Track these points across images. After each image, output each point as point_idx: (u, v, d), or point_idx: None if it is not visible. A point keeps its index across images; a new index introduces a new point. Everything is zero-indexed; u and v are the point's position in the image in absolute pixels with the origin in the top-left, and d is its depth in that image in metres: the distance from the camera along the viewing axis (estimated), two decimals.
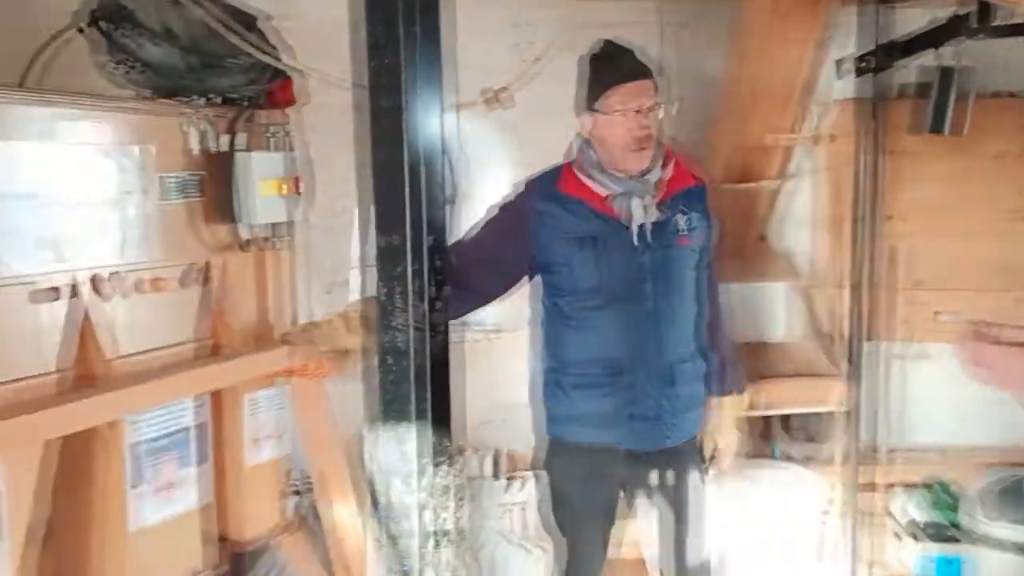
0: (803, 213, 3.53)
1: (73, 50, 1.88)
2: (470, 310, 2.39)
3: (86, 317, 1.69)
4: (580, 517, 2.37)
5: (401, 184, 1.02)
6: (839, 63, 3.25)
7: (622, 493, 2.41)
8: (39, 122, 1.58)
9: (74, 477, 1.79)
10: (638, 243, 2.16)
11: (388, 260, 1.07)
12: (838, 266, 3.27)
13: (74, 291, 1.67)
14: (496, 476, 3.41)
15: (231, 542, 2.18)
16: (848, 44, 3.21)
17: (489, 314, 3.87)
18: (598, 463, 2.30)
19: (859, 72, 3.12)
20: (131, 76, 1.83)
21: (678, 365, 2.24)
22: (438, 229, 1.09)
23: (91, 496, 1.81)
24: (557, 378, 2.29)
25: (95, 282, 1.69)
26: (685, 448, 2.32)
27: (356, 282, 3.35)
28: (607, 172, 2.18)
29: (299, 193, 2.10)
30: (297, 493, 2.95)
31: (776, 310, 3.52)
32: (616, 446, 2.26)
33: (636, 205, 2.14)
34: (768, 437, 3.51)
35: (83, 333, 1.70)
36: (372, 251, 1.08)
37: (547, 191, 2.22)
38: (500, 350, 3.87)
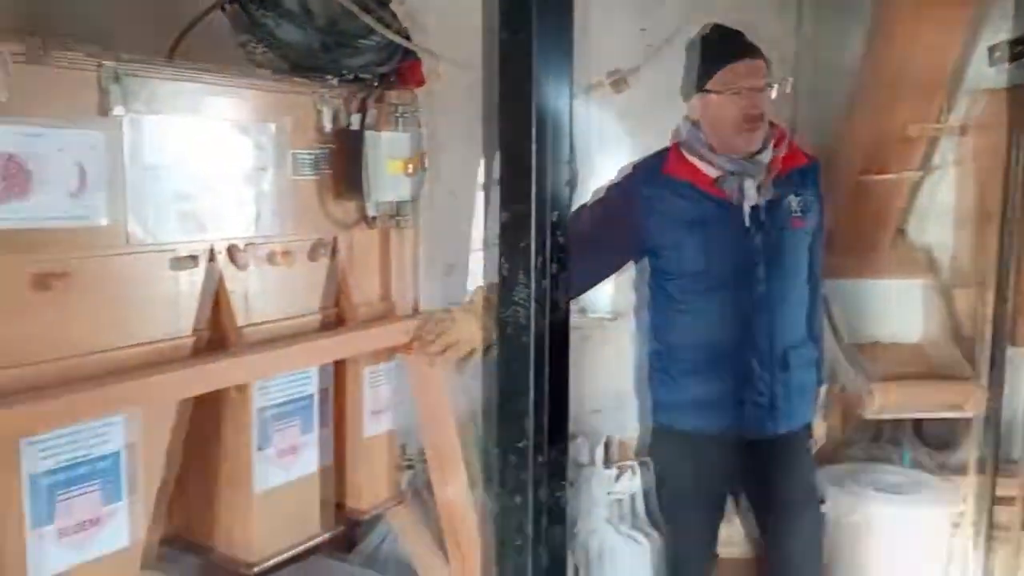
0: (946, 207, 3.35)
1: (216, 29, 1.96)
2: (574, 296, 2.41)
3: (221, 285, 1.77)
4: (686, 508, 2.34)
5: (528, 156, 1.02)
6: (992, 49, 3.05)
7: (730, 486, 2.37)
8: (185, 97, 1.66)
9: (204, 438, 1.88)
10: (750, 224, 2.12)
11: (511, 234, 1.07)
12: (982, 265, 3.09)
13: (211, 260, 1.75)
14: (607, 464, 3.39)
15: (348, 509, 2.24)
16: (1003, 29, 3.01)
17: (602, 299, 3.86)
18: (706, 452, 2.27)
19: (1013, 58, 2.92)
20: (268, 55, 1.89)
21: (791, 350, 2.20)
22: (562, 205, 1.08)
23: (220, 457, 1.90)
24: (664, 364, 2.28)
25: (231, 252, 1.77)
26: (797, 436, 2.27)
27: (476, 266, 3.39)
28: (717, 153, 2.15)
29: (424, 171, 2.13)
30: (410, 467, 3.02)
31: (912, 309, 3.37)
32: (725, 434, 2.23)
33: (748, 185, 2.11)
34: (896, 442, 3.36)
35: (218, 300, 1.78)
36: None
37: (654, 174, 2.22)
38: (613, 336, 3.84)
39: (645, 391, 2.41)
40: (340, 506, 2.24)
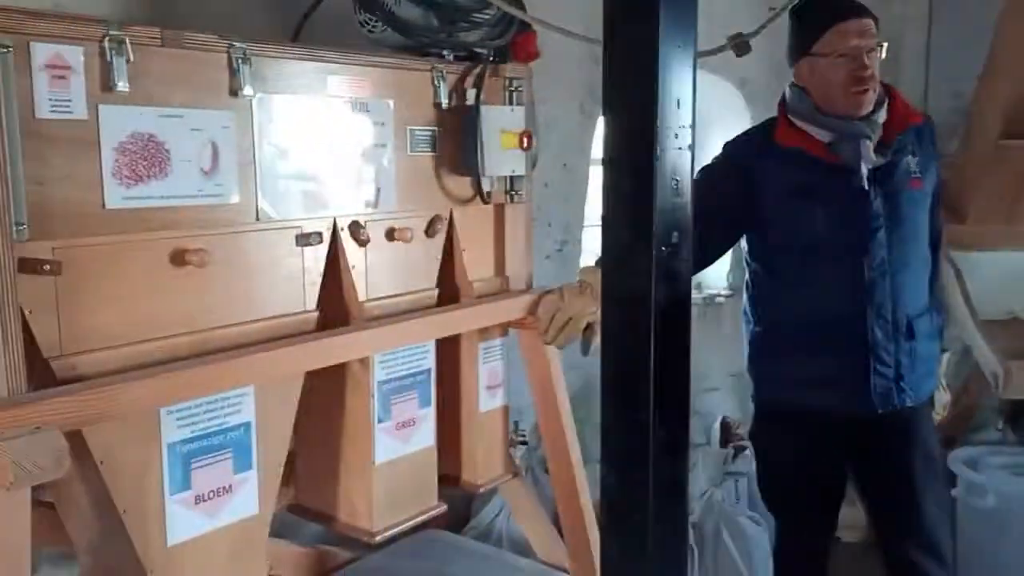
0: None
1: (329, 11, 2.01)
2: (694, 271, 2.34)
3: (343, 261, 1.82)
4: (800, 491, 2.24)
5: (650, 121, 0.99)
6: None
7: (846, 466, 2.26)
8: (308, 76, 1.70)
9: (325, 410, 1.95)
10: (869, 187, 2.03)
11: (631, 202, 1.04)
12: None
13: (334, 236, 1.79)
14: (723, 444, 3.33)
15: (463, 483, 2.28)
16: None
17: (716, 275, 3.77)
18: (822, 431, 2.17)
19: None
20: (388, 32, 1.92)
21: (916, 318, 2.10)
22: (684, 172, 1.05)
23: (341, 428, 1.95)
24: (773, 340, 2.19)
25: (353, 228, 1.81)
26: (921, 409, 2.17)
27: (587, 242, 3.37)
28: (829, 116, 2.06)
29: (536, 147, 2.13)
30: (524, 443, 3.04)
31: None
32: (844, 411, 2.13)
33: (865, 147, 2.01)
34: None
35: (339, 275, 1.83)
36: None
37: (763, 143, 2.14)
38: (728, 312, 3.76)
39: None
40: (455, 480, 2.28)
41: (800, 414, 2.17)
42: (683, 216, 1.05)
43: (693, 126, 1.05)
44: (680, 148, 1.03)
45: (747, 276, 2.30)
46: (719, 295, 3.76)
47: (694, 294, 3.69)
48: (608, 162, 1.06)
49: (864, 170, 2.03)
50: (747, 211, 2.16)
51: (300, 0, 2.09)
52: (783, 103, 2.19)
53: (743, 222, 2.19)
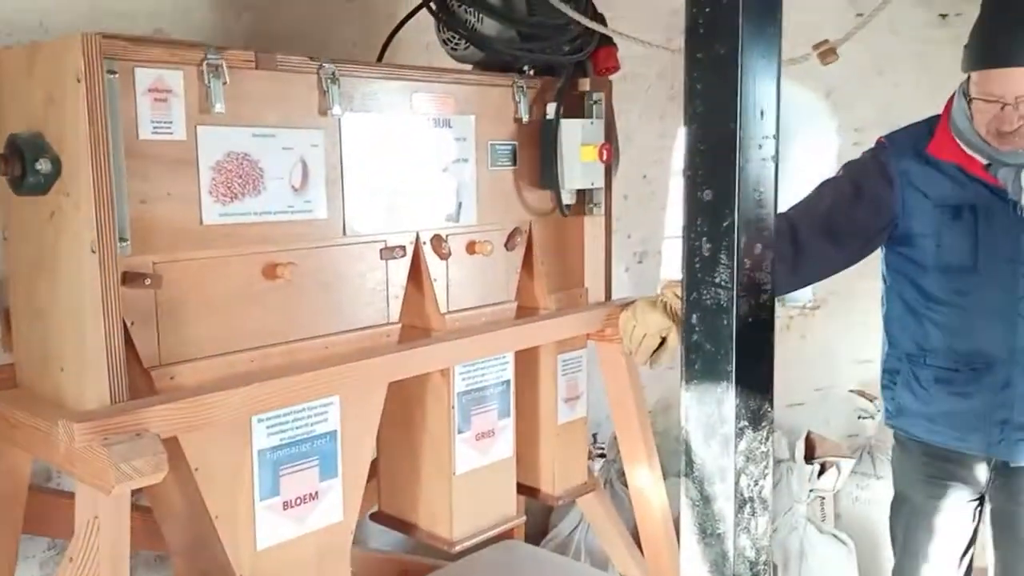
0: None
1: (422, 28, 2.06)
2: (810, 282, 2.20)
3: (425, 273, 1.86)
4: (919, 528, 2.11)
5: (733, 131, 0.99)
6: None
7: (979, 512, 2.09)
8: (393, 95, 1.75)
9: (405, 421, 1.98)
10: None
11: (712, 213, 1.04)
12: None
13: (416, 249, 1.83)
14: (808, 460, 3.25)
15: (542, 494, 2.29)
16: None
17: (804, 289, 3.69)
18: (953, 470, 2.04)
19: None
20: (470, 49, 1.96)
21: None
22: (767, 183, 1.05)
23: (422, 439, 1.99)
24: (912, 368, 2.04)
25: (435, 242, 1.85)
26: None
27: (668, 253, 3.35)
28: (983, 138, 1.87)
29: (616, 160, 2.13)
30: (603, 455, 3.03)
31: None
32: (977, 454, 2.00)
33: None
34: None
35: (422, 288, 1.87)
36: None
37: (915, 151, 1.97)
38: (814, 326, 3.68)
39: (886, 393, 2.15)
40: (534, 491, 2.29)
41: (937, 450, 2.05)
42: (766, 228, 1.05)
43: (777, 137, 1.04)
44: (764, 159, 1.03)
45: (883, 291, 2.14)
46: (805, 307, 3.69)
47: (777, 307, 3.64)
48: (689, 173, 1.06)
49: None
50: (885, 221, 1.99)
51: (385, 21, 2.15)
52: (949, 107, 1.97)
53: (882, 232, 2.02)
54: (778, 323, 3.34)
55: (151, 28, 1.85)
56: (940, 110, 1.99)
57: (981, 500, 2.10)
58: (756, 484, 1.09)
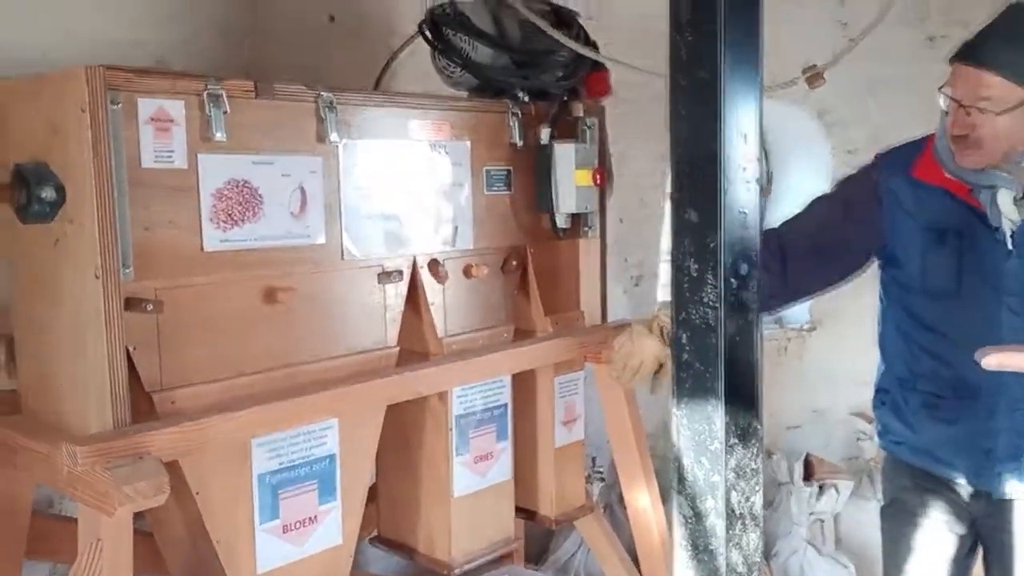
0: None
1: (417, 55, 2.10)
2: (797, 302, 2.19)
3: (423, 298, 1.88)
4: (911, 553, 2.09)
5: (716, 154, 1.02)
6: None
7: (966, 540, 2.04)
8: (389, 122, 1.79)
9: (403, 444, 2.00)
10: (1013, 246, 1.81)
11: (699, 233, 1.07)
12: None
13: (414, 274, 1.86)
14: (807, 481, 3.25)
15: (540, 517, 2.29)
16: None
17: (801, 309, 3.71)
18: (938, 496, 2.01)
19: None
20: (464, 75, 2.00)
21: None
22: (751, 203, 1.07)
23: (420, 462, 2.00)
24: (902, 391, 2.02)
25: (432, 266, 1.88)
26: None
27: (664, 275, 3.38)
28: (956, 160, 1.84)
29: (611, 183, 2.17)
30: (602, 479, 3.04)
31: None
32: (961, 482, 1.96)
33: (1004, 199, 1.79)
34: None
35: (419, 312, 1.90)
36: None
37: (900, 171, 1.94)
38: (812, 347, 3.69)
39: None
40: (531, 514, 2.30)
41: (924, 474, 2.02)
42: (751, 248, 1.07)
43: (760, 159, 1.07)
44: (747, 181, 1.05)
45: (879, 311, 2.11)
46: (802, 328, 3.70)
47: (774, 328, 3.65)
48: (675, 196, 1.09)
49: (1006, 225, 1.81)
50: (872, 239, 1.97)
51: (381, 48, 2.19)
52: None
53: (869, 251, 2.00)
54: (775, 345, 3.37)
55: (153, 59, 1.89)
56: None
57: (973, 544, 2.05)
58: (747, 500, 1.10)
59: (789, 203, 4.13)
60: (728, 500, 1.09)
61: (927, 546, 2.05)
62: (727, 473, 1.09)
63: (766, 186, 4.13)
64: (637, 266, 3.22)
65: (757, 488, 1.11)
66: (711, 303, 1.07)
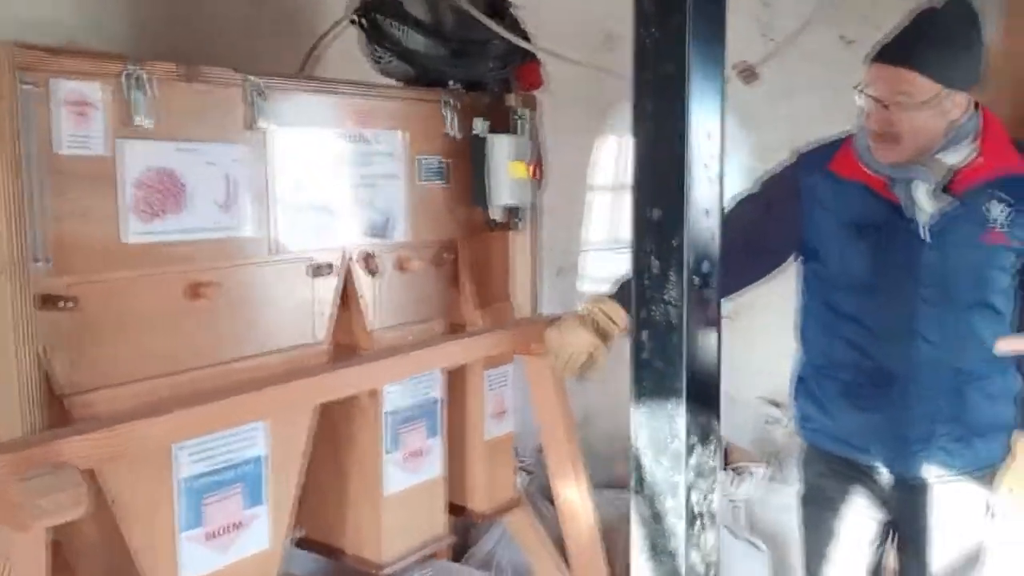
0: None
1: (344, 41, 2.02)
2: (728, 294, 2.23)
3: (353, 291, 1.82)
4: (830, 536, 2.16)
5: (680, 152, 1.00)
6: None
7: (884, 525, 2.10)
8: (320, 109, 1.71)
9: (332, 442, 1.93)
10: (928, 238, 1.86)
11: (661, 231, 1.05)
12: None
13: (345, 267, 1.79)
14: (724, 468, 3.33)
15: (469, 512, 2.26)
16: None
17: (723, 302, 3.77)
18: (856, 482, 2.06)
19: None
20: (397, 64, 1.94)
21: (971, 383, 1.93)
22: (713, 204, 1.06)
23: (350, 460, 1.94)
24: (818, 380, 2.07)
25: (364, 259, 1.81)
26: (969, 483, 1.98)
27: (586, 266, 3.39)
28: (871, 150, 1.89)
29: (542, 176, 2.14)
30: (525, 471, 3.02)
31: None
32: (878, 467, 2.02)
33: (919, 191, 1.84)
34: None
35: (351, 306, 1.83)
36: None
37: (819, 168, 1.98)
38: (728, 337, 3.76)
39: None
40: (460, 509, 2.26)
41: (840, 460, 2.07)
42: (713, 246, 1.06)
43: (722, 157, 1.06)
44: (711, 179, 1.04)
45: (798, 303, 2.14)
46: (724, 317, 3.77)
47: None
48: (637, 192, 1.07)
49: (920, 217, 1.85)
50: (794, 235, 2.01)
51: (306, 31, 2.10)
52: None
53: (788, 246, 2.04)
54: None
55: (63, 40, 1.75)
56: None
57: (887, 531, 2.11)
58: (705, 499, 1.10)
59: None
60: (688, 500, 1.08)
61: (847, 531, 2.12)
62: (687, 472, 1.08)
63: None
64: (560, 257, 3.22)
65: (715, 487, 1.11)
66: (674, 301, 1.05)
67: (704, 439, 1.09)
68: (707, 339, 1.08)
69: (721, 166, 1.07)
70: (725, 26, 1.06)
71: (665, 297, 1.06)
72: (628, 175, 4.16)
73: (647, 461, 1.10)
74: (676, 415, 1.07)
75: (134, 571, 1.46)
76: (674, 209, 1.04)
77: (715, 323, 1.10)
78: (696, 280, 1.05)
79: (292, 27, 2.21)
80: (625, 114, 3.66)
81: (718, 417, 1.11)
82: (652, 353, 1.08)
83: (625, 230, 4.22)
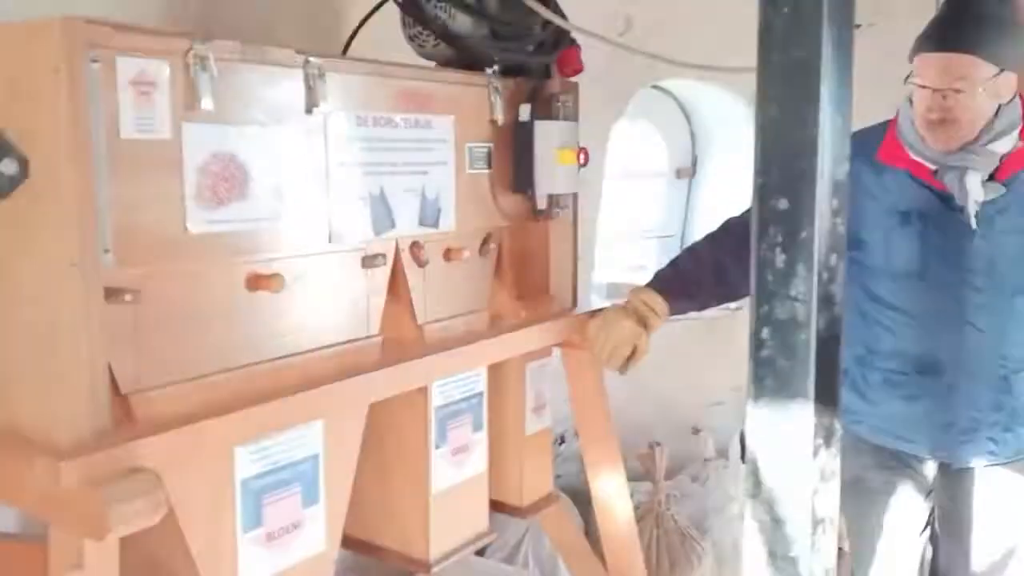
0: None
1: (386, 23, 1.95)
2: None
3: (403, 283, 1.75)
4: (882, 511, 2.15)
5: (813, 140, 0.96)
6: None
7: (928, 512, 2.12)
8: (372, 92, 1.63)
9: (380, 438, 1.86)
10: (977, 226, 1.86)
11: (788, 224, 1.00)
12: None
13: (396, 257, 1.72)
14: (743, 459, 3.31)
15: (509, 508, 2.22)
16: None
17: None
18: (900, 472, 2.07)
19: None
20: (439, 47, 1.87)
21: (1019, 371, 1.94)
22: (842, 193, 1.02)
23: (394, 456, 1.88)
24: (860, 370, 2.06)
25: (413, 249, 1.74)
26: (1014, 471, 1.99)
27: (601, 255, 3.34)
28: (922, 137, 1.88)
29: (586, 163, 2.08)
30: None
31: None
32: (925, 456, 2.03)
33: (971, 180, 1.84)
34: None
35: (400, 298, 1.76)
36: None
37: (866, 155, 1.95)
38: (739, 326, 3.74)
39: None
40: (501, 505, 2.22)
41: (884, 452, 2.07)
42: (841, 238, 1.03)
43: (847, 146, 1.02)
44: (841, 168, 1.00)
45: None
46: (728, 307, 3.75)
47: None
48: (761, 181, 1.02)
49: (971, 206, 1.85)
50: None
51: (331, 14, 2.02)
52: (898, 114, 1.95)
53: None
54: (704, 324, 3.38)
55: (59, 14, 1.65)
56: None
57: (931, 519, 2.12)
58: (828, 504, 1.06)
59: (711, 187, 4.18)
60: (813, 505, 1.04)
61: (894, 522, 2.11)
62: (812, 477, 1.04)
63: (689, 169, 4.17)
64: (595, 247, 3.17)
65: (836, 491, 1.07)
66: (801, 297, 1.01)
67: (828, 441, 1.05)
68: (833, 336, 1.04)
69: (847, 155, 1.03)
70: (854, 10, 1.02)
71: (792, 293, 1.02)
72: (642, 163, 4.08)
73: (766, 464, 1.06)
74: (802, 416, 1.03)
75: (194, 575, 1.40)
76: (804, 199, 0.99)
77: (840, 319, 1.06)
78: (824, 275, 1.01)
79: (313, 5, 2.12)
80: (639, 100, 3.62)
81: (840, 418, 1.07)
82: (775, 351, 1.04)
83: (642, 219, 4.18)
